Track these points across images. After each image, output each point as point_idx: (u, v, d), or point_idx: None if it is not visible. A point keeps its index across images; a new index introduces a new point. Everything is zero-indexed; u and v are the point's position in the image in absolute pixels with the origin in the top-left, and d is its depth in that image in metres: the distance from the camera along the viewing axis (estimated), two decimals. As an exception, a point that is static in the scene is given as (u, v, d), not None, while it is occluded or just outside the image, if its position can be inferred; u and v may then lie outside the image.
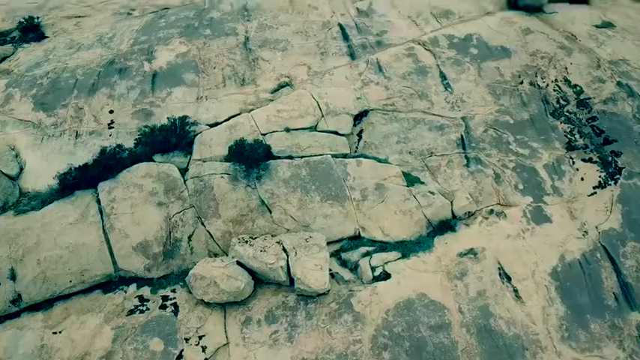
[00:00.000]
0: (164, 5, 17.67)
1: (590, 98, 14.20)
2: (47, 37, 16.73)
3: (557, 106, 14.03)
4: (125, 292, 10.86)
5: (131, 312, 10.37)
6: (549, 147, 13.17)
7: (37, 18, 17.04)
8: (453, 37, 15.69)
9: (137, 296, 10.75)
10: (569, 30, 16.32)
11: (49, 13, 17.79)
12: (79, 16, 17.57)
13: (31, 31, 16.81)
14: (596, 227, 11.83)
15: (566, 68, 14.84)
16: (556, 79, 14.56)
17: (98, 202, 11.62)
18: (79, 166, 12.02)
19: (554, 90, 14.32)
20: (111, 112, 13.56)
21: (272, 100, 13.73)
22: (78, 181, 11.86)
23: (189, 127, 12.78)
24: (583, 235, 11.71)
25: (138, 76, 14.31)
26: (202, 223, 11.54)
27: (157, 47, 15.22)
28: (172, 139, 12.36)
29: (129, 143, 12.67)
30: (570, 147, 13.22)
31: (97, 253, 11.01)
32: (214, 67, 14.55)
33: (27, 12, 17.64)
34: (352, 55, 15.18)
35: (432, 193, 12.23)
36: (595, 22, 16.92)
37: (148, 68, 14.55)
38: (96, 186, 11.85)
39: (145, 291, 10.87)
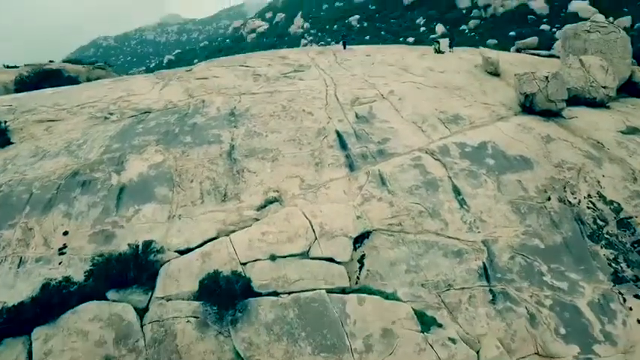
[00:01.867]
0: (146, 109, 16.21)
1: (631, 217, 12.11)
2: (13, 142, 15.06)
3: (595, 227, 11.88)
4: None
5: None
6: (592, 279, 10.84)
7: (5, 122, 15.49)
8: (464, 145, 13.93)
9: None
10: (594, 137, 14.63)
11: (20, 116, 16.30)
12: (52, 120, 16.05)
13: (-4, 136, 15.18)
14: (667, 389, 9.19)
15: (598, 182, 12.90)
16: (589, 195, 12.56)
17: (30, 354, 9.11)
18: (13, 305, 9.67)
19: (589, 207, 12.26)
20: (65, 233, 11.42)
21: (257, 220, 11.62)
22: (9, 325, 9.46)
23: (154, 256, 10.56)
24: (652, 401, 9.04)
25: (102, 191, 12.34)
26: (160, 385, 8.93)
27: (130, 156, 13.42)
28: (131, 272, 10.09)
29: (79, 275, 10.39)
30: (617, 279, 10.90)
31: None
32: (192, 180, 12.62)
33: (-2, 115, 16.19)
34: (351, 166, 13.32)
35: (453, 340, 9.71)
36: (620, 128, 15.31)
37: (115, 181, 12.63)
38: (30, 331, 9.41)
39: None
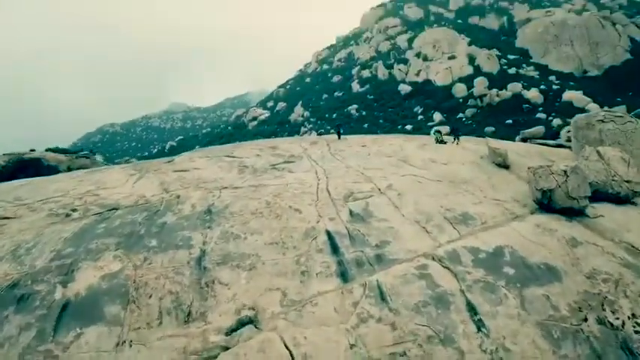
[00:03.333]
0: (113, 205, 14.37)
1: (690, 345, 9.78)
2: (-45, 245, 13.01)
3: (648, 358, 9.54)
4: None
5: None
6: None
7: (-50, 221, 13.59)
8: (477, 250, 11.87)
9: None
10: (626, 240, 12.60)
11: (-28, 216, 14.41)
12: (7, 218, 14.16)
13: (-63, 238, 13.19)
14: None
15: (642, 297, 10.72)
16: (633, 314, 10.30)
17: None
18: None
19: (636, 331, 9.96)
20: (-16, 367, 9.10)
21: (225, 348, 9.30)
22: None
23: (87, 402, 8.18)
24: None
25: (41, 308, 10.13)
26: None
27: (82, 264, 11.35)
28: None
29: None
30: None
31: None
32: (150, 296, 10.43)
33: (-51, 214, 14.34)
34: (344, 275, 11.19)
35: None
36: (653, 228, 13.33)
37: (59, 295, 10.46)
38: None
39: None
